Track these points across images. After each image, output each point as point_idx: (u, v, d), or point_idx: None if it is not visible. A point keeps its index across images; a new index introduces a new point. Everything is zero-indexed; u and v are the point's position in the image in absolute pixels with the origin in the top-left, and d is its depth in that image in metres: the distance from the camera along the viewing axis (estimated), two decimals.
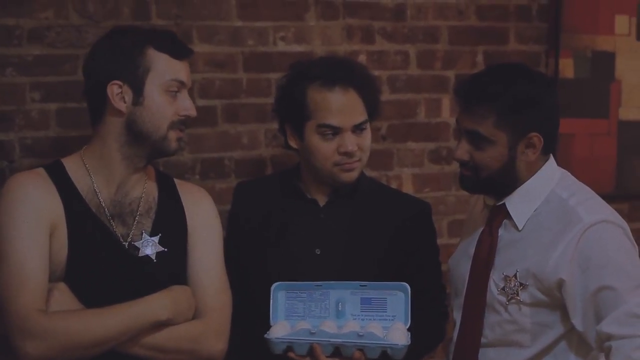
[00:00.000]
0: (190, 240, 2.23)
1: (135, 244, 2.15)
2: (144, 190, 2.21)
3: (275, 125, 2.85)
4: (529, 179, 2.30)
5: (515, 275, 2.25)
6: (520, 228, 2.29)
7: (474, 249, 2.38)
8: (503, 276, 2.27)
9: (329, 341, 2.19)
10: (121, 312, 2.03)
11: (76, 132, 2.67)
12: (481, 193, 2.44)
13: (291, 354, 2.21)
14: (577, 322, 2.18)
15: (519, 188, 2.30)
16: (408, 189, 3.15)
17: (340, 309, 2.30)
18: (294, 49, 2.98)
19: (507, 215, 2.31)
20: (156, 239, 2.17)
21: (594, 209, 2.23)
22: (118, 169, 2.16)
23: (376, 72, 2.91)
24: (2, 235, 2.04)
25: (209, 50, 2.88)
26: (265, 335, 2.22)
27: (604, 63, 3.33)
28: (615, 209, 2.28)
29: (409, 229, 2.50)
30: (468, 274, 2.38)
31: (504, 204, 2.32)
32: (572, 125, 3.27)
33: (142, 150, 2.16)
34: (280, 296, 2.32)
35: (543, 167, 2.31)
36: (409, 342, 2.20)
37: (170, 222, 2.22)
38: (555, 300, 2.21)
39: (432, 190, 3.22)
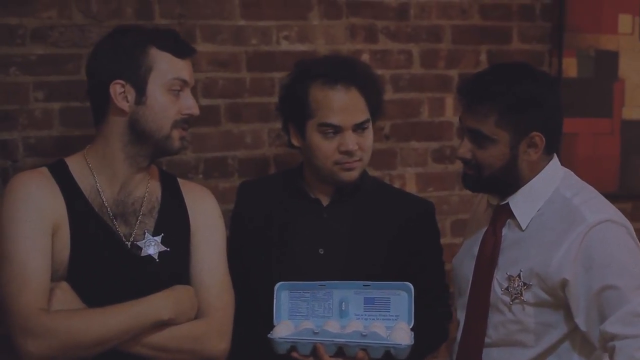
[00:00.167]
0: (193, 240, 2.23)
1: (138, 243, 2.15)
2: (147, 190, 2.21)
3: (278, 125, 2.85)
4: (532, 178, 2.29)
5: (519, 275, 2.24)
6: (523, 228, 2.29)
7: (477, 249, 2.37)
8: (507, 276, 2.27)
9: (332, 341, 2.19)
10: (123, 311, 2.03)
11: (79, 132, 2.67)
12: (484, 192, 2.44)
13: (294, 354, 2.21)
14: (580, 321, 2.18)
15: (523, 187, 2.30)
16: (411, 188, 3.15)
17: (343, 308, 2.30)
18: (297, 48, 2.98)
19: (511, 215, 2.31)
20: (159, 238, 2.17)
21: (597, 209, 2.23)
22: (121, 168, 2.16)
23: (379, 72, 2.91)
24: (5, 234, 2.04)
25: (212, 49, 2.88)
26: (269, 335, 2.22)
27: (607, 62, 3.33)
28: (619, 209, 2.28)
29: (413, 228, 2.50)
30: (472, 273, 2.38)
31: (507, 203, 2.32)
32: (576, 124, 3.27)
33: (145, 150, 2.16)
34: (283, 296, 2.32)
35: (546, 167, 2.31)
36: (413, 342, 2.20)
37: (173, 221, 2.22)
38: (558, 300, 2.21)
39: (435, 189, 3.22)
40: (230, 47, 2.91)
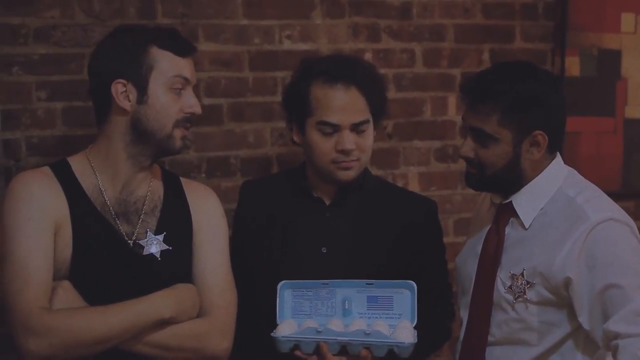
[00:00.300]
0: (195, 239, 2.23)
1: (140, 242, 2.15)
2: (149, 189, 2.21)
3: (281, 124, 2.87)
4: (535, 177, 2.29)
5: (522, 274, 2.24)
6: (527, 226, 2.29)
7: (480, 248, 2.38)
8: (510, 274, 2.27)
9: (335, 339, 2.19)
10: (124, 310, 2.03)
11: (82, 131, 2.68)
12: (486, 191, 2.44)
13: (298, 353, 2.21)
14: (583, 320, 2.18)
15: (526, 186, 2.30)
16: (414, 187, 3.15)
17: (346, 307, 2.30)
18: (299, 47, 2.98)
19: (514, 214, 2.31)
20: (161, 237, 2.18)
21: (600, 207, 2.23)
22: (123, 167, 2.16)
23: (382, 71, 2.91)
24: (7, 233, 2.04)
25: (215, 49, 2.88)
26: (272, 334, 2.22)
27: (610, 61, 3.33)
28: (622, 207, 2.28)
29: (415, 227, 2.50)
30: (475, 272, 2.38)
31: (510, 202, 2.32)
32: (578, 123, 3.27)
33: (148, 149, 2.16)
34: (286, 294, 2.32)
35: (550, 166, 2.30)
36: (416, 340, 2.19)
37: (176, 220, 2.22)
38: (562, 298, 2.21)
39: (438, 188, 3.22)
40: (233, 47, 2.91)
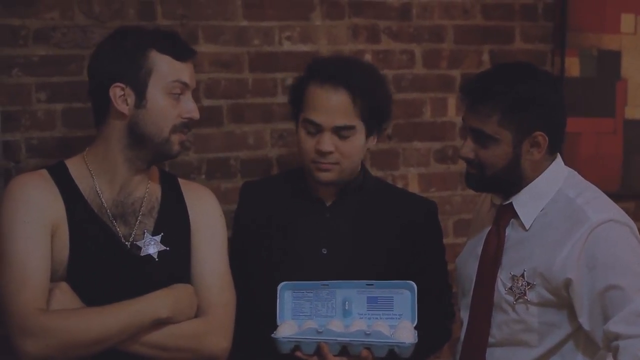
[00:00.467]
0: (193, 239, 2.23)
1: (138, 243, 2.16)
2: (146, 191, 2.22)
3: (281, 125, 2.88)
4: (535, 178, 2.29)
5: (522, 275, 2.24)
6: (527, 227, 2.29)
7: (481, 249, 2.38)
8: (510, 275, 2.27)
9: (336, 340, 2.19)
10: (121, 310, 2.04)
11: (82, 133, 2.67)
12: (487, 191, 2.44)
13: (298, 353, 2.21)
14: (584, 321, 2.18)
15: (526, 187, 2.30)
16: (414, 188, 3.15)
17: (347, 308, 2.30)
18: (299, 48, 2.98)
19: (515, 215, 2.31)
20: (158, 238, 2.18)
21: (601, 208, 2.23)
22: (120, 170, 2.16)
23: (382, 72, 2.91)
24: (4, 235, 2.05)
25: (215, 50, 2.88)
26: (273, 335, 2.22)
27: (609, 62, 3.33)
28: (621, 208, 2.28)
29: (415, 228, 2.50)
30: (475, 273, 2.38)
31: (511, 203, 2.32)
32: (578, 124, 3.26)
33: (145, 153, 2.16)
34: (286, 296, 2.32)
35: (550, 166, 2.31)
36: (416, 340, 2.20)
37: (173, 221, 2.22)
38: (562, 299, 2.21)
39: (438, 189, 3.22)
40: (233, 48, 2.91)
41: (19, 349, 1.99)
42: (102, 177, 2.16)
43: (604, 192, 2.32)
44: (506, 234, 2.33)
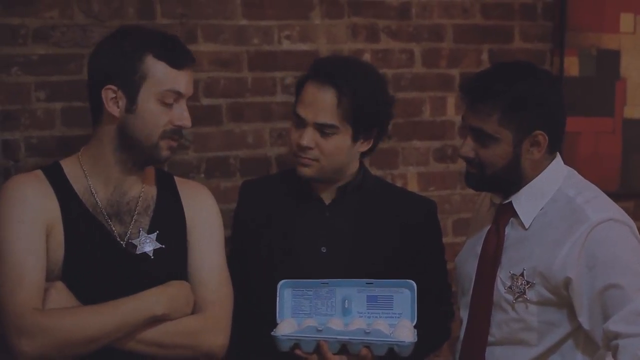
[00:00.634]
0: (190, 237, 2.23)
1: (133, 242, 2.16)
2: (142, 190, 2.22)
3: (280, 124, 2.87)
4: (535, 177, 2.29)
5: (522, 274, 2.24)
6: (527, 226, 2.28)
7: (480, 248, 2.38)
8: (510, 274, 2.27)
9: (335, 338, 2.19)
10: (116, 308, 2.04)
11: (81, 132, 2.67)
12: (486, 191, 2.44)
13: (298, 352, 2.21)
14: (583, 320, 2.18)
15: (526, 186, 2.30)
16: (413, 187, 3.15)
17: (346, 306, 2.30)
18: (299, 47, 2.97)
19: (514, 214, 2.31)
20: (154, 236, 2.18)
21: (600, 207, 2.23)
22: (113, 171, 2.17)
23: (381, 71, 2.91)
24: (0, 235, 2.05)
25: (214, 49, 2.88)
26: (272, 333, 2.22)
27: (609, 61, 3.33)
28: (621, 207, 2.28)
29: (415, 227, 2.50)
30: (475, 272, 2.38)
31: (510, 202, 2.32)
32: (578, 123, 3.26)
33: (135, 156, 2.15)
34: (286, 294, 2.32)
35: (550, 166, 2.31)
36: (416, 339, 2.20)
37: (169, 219, 2.23)
38: (562, 298, 2.21)
39: (437, 189, 3.22)
40: (232, 47, 2.91)
41: (16, 349, 1.99)
42: (96, 177, 2.17)
43: (603, 191, 2.32)
44: (506, 233, 2.33)
